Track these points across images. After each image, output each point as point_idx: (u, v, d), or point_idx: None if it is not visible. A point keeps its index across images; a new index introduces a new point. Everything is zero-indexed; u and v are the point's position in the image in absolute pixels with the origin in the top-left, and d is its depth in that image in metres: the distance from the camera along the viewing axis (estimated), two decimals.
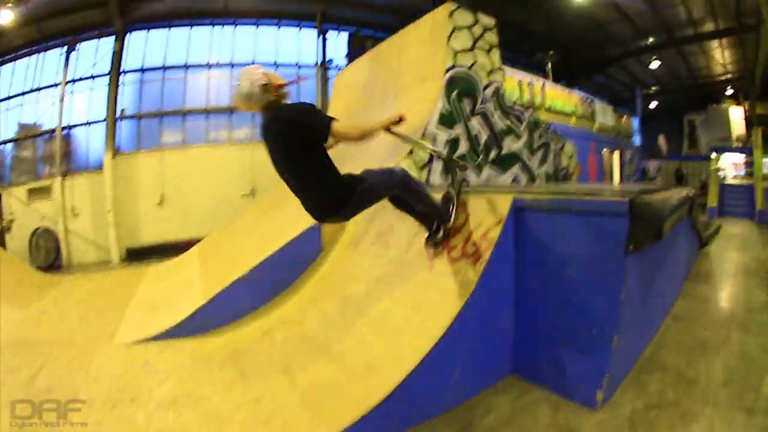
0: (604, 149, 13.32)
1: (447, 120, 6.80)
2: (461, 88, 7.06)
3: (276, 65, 12.74)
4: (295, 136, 2.32)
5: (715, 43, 17.70)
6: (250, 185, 11.69)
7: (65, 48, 11.16)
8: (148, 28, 11.82)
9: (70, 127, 11.19)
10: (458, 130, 6.94)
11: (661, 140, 19.52)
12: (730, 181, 14.91)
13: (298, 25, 13.20)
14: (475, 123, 7.28)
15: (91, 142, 11.32)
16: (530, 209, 3.12)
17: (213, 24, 12.44)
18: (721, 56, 19.08)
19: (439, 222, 3.22)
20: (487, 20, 7.95)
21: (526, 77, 11.35)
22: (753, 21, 13.05)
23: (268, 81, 2.33)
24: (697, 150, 22.11)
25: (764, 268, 5.78)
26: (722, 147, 18.00)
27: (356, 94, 9.00)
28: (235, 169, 11.69)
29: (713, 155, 16.02)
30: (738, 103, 21.58)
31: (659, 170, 19.10)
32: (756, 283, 4.98)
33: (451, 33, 7.28)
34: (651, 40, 17.32)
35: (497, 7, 12.22)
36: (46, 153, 11.20)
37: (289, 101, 2.49)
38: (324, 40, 13.19)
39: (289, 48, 13.19)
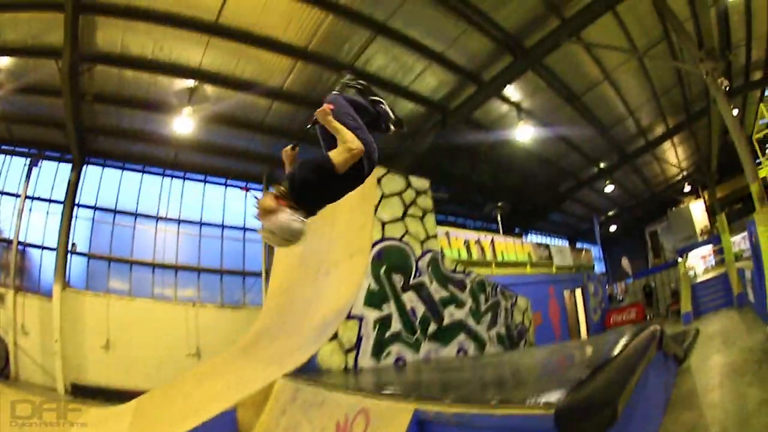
0: (565, 290, 12.94)
1: (375, 298, 6.33)
2: (391, 262, 6.71)
3: (223, 227, 12.97)
4: (315, 181, 2.32)
5: (667, 145, 17.93)
6: (195, 345, 11.31)
7: (29, 160, 11.14)
8: (104, 165, 11.97)
9: (25, 245, 10.96)
10: (389, 308, 6.45)
11: (625, 263, 20.08)
12: (701, 278, 14.46)
13: (245, 184, 13.38)
14: (411, 296, 6.82)
15: (44, 265, 11.12)
16: (435, 424, 2.78)
17: (163, 174, 12.60)
18: (674, 156, 19.40)
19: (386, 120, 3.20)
20: (419, 183, 7.85)
21: (473, 236, 11.31)
22: (701, 105, 13.47)
23: (280, 208, 2.20)
24: (662, 258, 22.23)
25: (754, 359, 5.30)
26: (688, 246, 17.97)
27: (294, 263, 8.64)
28: (180, 329, 11.39)
29: (680, 259, 15.82)
30: (698, 196, 22.28)
31: (626, 292, 19.05)
32: (747, 380, 4.51)
33: (380, 201, 7.13)
34: (603, 165, 17.63)
35: (441, 163, 12.58)
36: (3, 260, 10.89)
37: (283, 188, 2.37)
38: None
39: (236, 209, 13.30)
